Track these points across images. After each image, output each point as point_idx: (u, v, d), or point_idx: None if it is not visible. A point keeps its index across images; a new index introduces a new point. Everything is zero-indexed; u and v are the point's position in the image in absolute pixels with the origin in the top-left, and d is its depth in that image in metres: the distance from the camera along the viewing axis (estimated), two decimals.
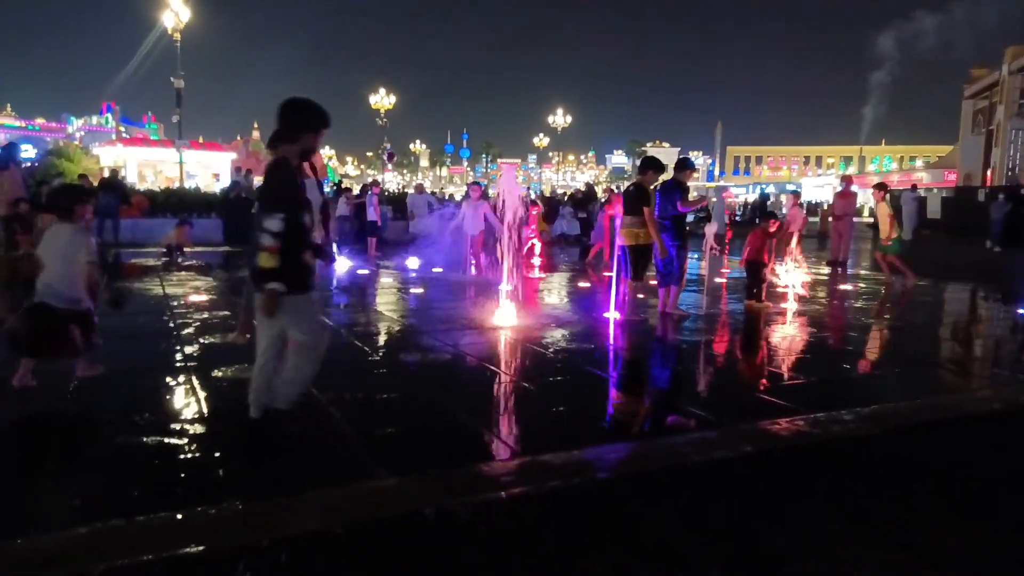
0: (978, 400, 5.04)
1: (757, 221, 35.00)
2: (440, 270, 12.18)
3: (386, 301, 9.48)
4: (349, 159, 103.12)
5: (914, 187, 26.85)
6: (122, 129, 66.19)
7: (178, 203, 17.89)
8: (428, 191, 24.42)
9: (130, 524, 2.68)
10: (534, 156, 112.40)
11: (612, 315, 7.62)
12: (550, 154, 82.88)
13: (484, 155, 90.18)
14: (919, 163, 73.79)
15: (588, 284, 11.09)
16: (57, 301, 4.29)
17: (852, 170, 68.12)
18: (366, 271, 12.74)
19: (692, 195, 8.17)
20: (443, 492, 3.07)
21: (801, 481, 3.37)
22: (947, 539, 2.81)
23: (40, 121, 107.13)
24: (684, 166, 7.96)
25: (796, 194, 15.96)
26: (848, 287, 11.28)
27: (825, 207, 35.23)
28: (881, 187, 11.98)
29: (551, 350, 6.19)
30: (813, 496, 3.17)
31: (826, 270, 13.73)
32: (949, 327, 8.45)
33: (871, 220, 36.49)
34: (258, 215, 3.36)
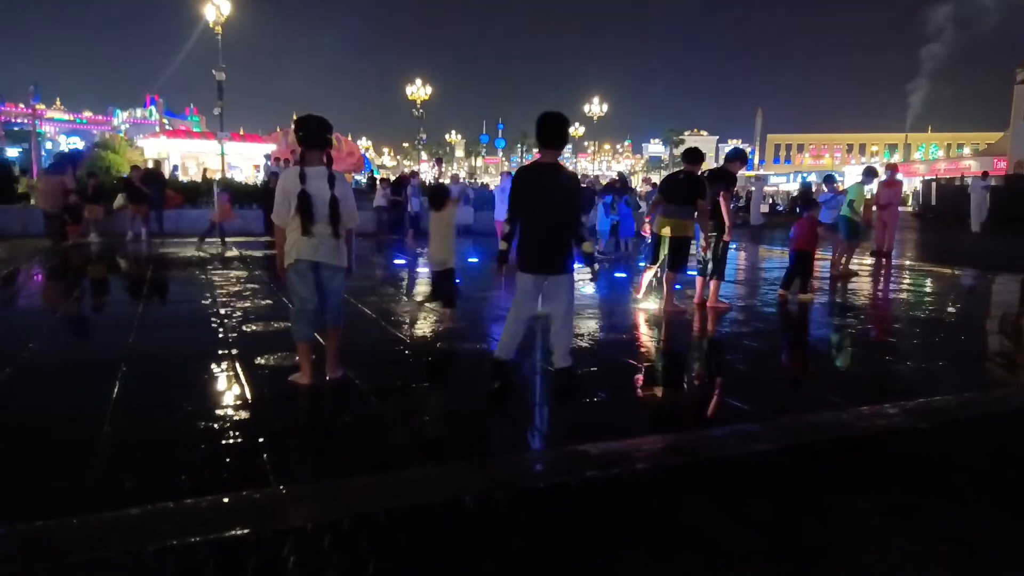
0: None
1: (798, 211, 34.17)
2: (476, 259, 12.25)
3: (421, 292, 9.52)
4: (385, 149, 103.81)
5: (984, 174, 24.90)
6: (165, 121, 67.61)
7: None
8: (463, 181, 24.50)
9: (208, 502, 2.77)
10: (569, 146, 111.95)
11: (649, 306, 7.56)
12: (585, 143, 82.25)
13: (520, 145, 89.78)
14: (967, 151, 71.48)
15: (624, 275, 11.02)
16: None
17: (897, 158, 66.36)
18: (403, 261, 12.85)
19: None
20: (484, 480, 3.10)
21: (845, 475, 3.31)
22: (1000, 535, 2.74)
23: (87, 114, 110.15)
24: (735, 156, 7.98)
25: (829, 179, 15.71)
26: (893, 278, 11.01)
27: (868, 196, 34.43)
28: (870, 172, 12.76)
29: (587, 341, 6.18)
30: (858, 490, 3.12)
31: (869, 260, 13.43)
32: (998, 320, 8.19)
33: (911, 209, 35.57)
34: (577, 213, 4.51)
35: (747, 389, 4.86)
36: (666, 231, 7.28)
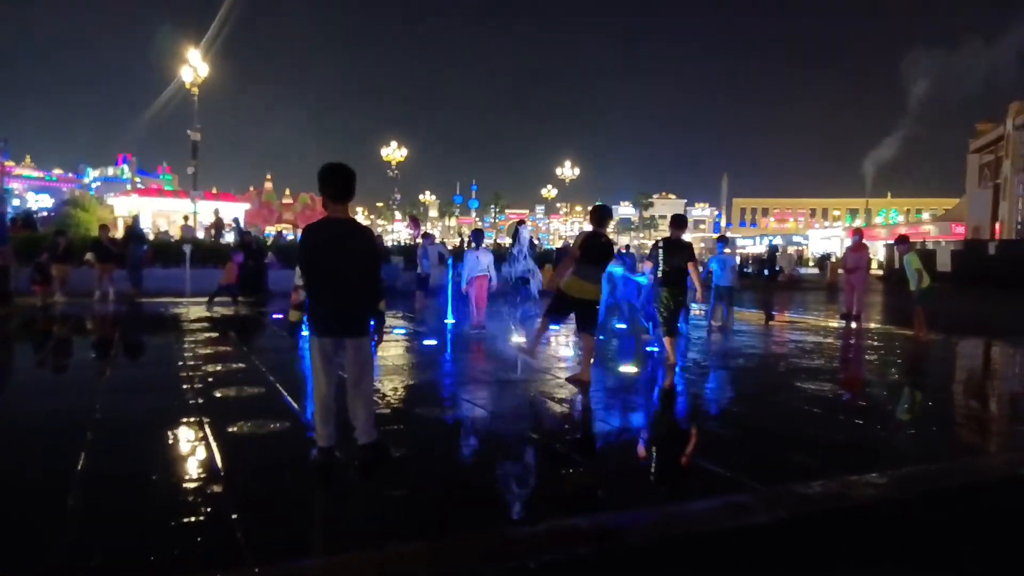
0: (1010, 462, 4.90)
1: (766, 273, 34.42)
2: (452, 321, 12.12)
3: (394, 356, 9.37)
4: (360, 209, 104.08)
5: None
6: (138, 180, 67.36)
7: (192, 252, 17.96)
8: (439, 241, 24.57)
9: None
10: (542, 207, 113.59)
11: (629, 367, 7.54)
12: (558, 205, 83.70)
13: (493, 206, 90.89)
14: (926, 216, 74.10)
15: (602, 337, 11.00)
16: None
17: (859, 222, 68.42)
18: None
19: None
20: (471, 556, 2.97)
21: (835, 547, 3.25)
22: None
23: (57, 172, 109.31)
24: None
25: (723, 240, 14.08)
26: (866, 342, 11.16)
27: (834, 259, 35.26)
28: (905, 240, 12.00)
29: (566, 405, 6.10)
30: (850, 563, 3.05)
31: (836, 324, 13.62)
32: (974, 384, 8.30)
33: (880, 273, 36.44)
34: (377, 269, 4.27)
35: (729, 456, 4.81)
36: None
